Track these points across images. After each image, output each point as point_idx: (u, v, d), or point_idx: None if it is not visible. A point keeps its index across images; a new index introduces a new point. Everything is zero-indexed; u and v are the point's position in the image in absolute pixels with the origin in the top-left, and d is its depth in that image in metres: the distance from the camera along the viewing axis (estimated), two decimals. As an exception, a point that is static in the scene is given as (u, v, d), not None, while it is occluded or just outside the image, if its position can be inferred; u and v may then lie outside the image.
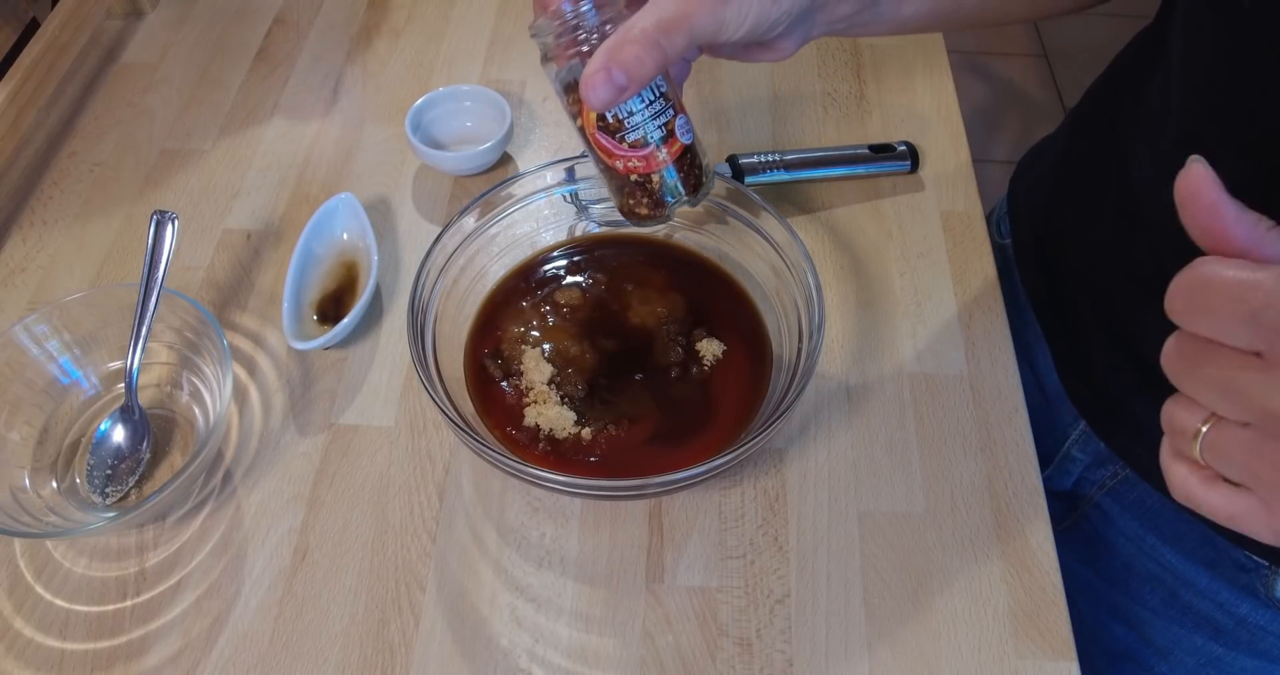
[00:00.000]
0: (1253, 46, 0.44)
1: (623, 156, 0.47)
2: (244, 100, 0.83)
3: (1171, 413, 0.34)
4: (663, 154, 0.47)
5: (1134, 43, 0.63)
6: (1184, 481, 0.34)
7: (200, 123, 0.81)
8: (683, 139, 0.48)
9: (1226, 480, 0.33)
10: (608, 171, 0.49)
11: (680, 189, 0.49)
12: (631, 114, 0.46)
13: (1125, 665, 0.71)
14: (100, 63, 0.86)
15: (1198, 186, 0.31)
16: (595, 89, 0.42)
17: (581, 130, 0.48)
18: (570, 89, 0.47)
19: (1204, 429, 0.32)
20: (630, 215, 0.50)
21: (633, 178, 0.48)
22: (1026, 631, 0.55)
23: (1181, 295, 0.31)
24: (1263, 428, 0.30)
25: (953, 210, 0.74)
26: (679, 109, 0.48)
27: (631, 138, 0.46)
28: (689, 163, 0.49)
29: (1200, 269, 0.30)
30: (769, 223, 0.61)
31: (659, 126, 0.47)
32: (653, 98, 0.46)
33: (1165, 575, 0.64)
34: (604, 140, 0.47)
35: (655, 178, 0.48)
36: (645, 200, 0.49)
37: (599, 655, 0.55)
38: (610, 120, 0.46)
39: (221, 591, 0.57)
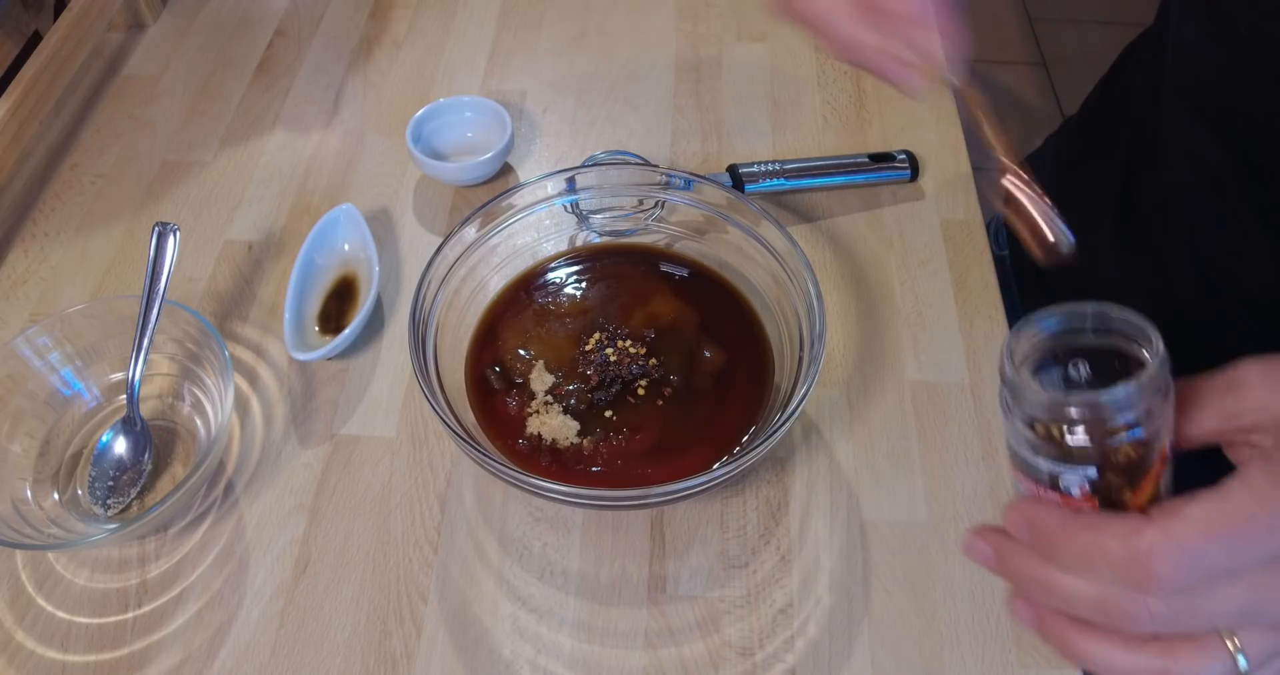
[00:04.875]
0: (1254, 74, 0.44)
1: None
2: (245, 112, 0.84)
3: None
4: None
5: (1120, 66, 0.63)
6: None
7: (202, 134, 0.82)
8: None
9: None
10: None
11: None
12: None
13: None
14: (102, 75, 0.87)
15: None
16: None
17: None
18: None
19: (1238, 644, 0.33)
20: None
21: None
22: (1030, 640, 0.55)
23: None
24: None
25: (953, 218, 0.74)
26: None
27: None
28: None
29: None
30: (769, 232, 0.61)
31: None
32: None
33: None
34: None
35: None
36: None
37: (601, 666, 0.55)
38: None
39: (223, 603, 0.57)
